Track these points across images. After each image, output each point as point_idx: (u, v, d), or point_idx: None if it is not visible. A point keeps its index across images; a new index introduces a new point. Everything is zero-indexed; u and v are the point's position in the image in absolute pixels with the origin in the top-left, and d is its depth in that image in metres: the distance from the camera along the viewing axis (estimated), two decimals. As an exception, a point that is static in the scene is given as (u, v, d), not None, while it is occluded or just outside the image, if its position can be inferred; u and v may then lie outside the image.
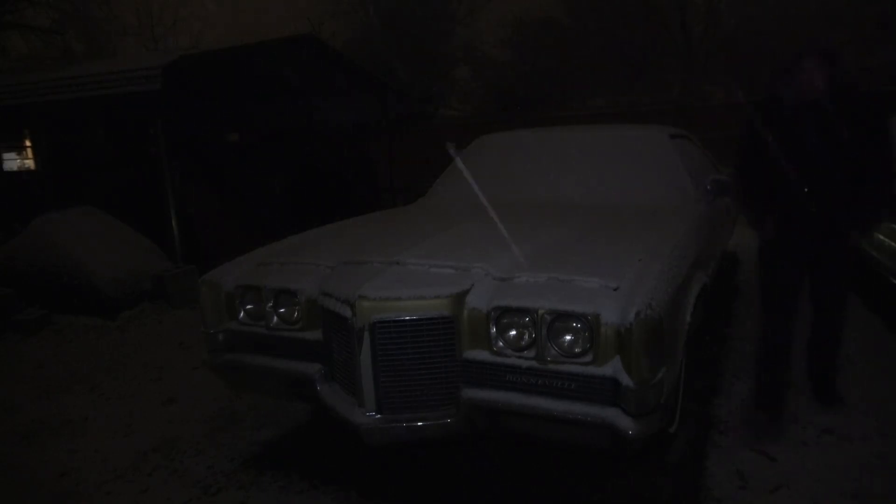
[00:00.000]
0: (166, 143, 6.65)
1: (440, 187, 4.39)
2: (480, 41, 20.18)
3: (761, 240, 3.09)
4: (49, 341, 5.23)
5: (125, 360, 4.65)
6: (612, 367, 2.16)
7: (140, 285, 5.90)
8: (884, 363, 3.71)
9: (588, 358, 2.19)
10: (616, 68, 17.47)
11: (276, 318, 2.78)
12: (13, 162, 8.31)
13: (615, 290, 2.22)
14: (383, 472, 2.86)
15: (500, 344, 2.31)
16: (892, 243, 4.10)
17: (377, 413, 2.40)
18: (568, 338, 2.23)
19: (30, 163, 8.15)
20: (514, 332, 2.30)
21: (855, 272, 3.08)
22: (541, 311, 2.21)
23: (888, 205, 2.95)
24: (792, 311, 3.03)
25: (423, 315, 2.36)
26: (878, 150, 2.81)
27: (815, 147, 2.81)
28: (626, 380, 2.12)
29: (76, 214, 6.31)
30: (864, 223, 2.95)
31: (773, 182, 2.93)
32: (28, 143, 8.12)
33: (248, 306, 2.89)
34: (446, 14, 19.29)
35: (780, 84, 2.92)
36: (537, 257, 2.55)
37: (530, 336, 2.27)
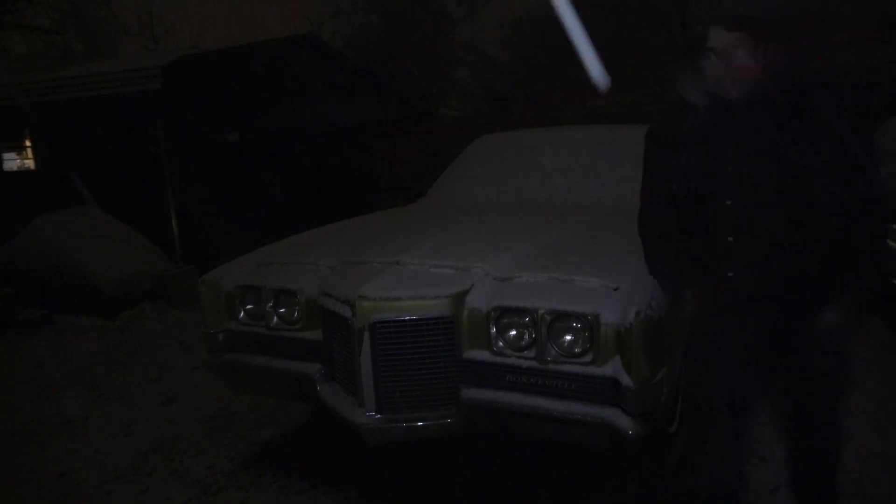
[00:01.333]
0: (166, 143, 6.65)
1: (440, 187, 4.38)
2: (480, 41, 20.18)
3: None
4: (49, 341, 5.23)
5: (125, 360, 4.65)
6: (612, 367, 2.16)
7: (140, 285, 5.90)
8: (884, 363, 3.71)
9: (588, 358, 2.19)
10: (616, 68, 17.47)
11: (276, 318, 2.78)
12: (13, 162, 8.31)
13: (615, 290, 2.22)
14: (383, 472, 2.86)
15: (500, 344, 2.31)
16: (892, 243, 4.09)
17: (377, 413, 2.40)
18: (568, 338, 2.23)
19: (30, 163, 8.15)
20: (514, 332, 2.30)
21: (847, 367, 1.98)
22: (541, 311, 2.21)
23: (882, 259, 1.85)
24: (740, 431, 2.07)
25: (423, 315, 2.36)
26: (860, 178, 1.71)
27: (743, 173, 1.77)
28: (626, 380, 2.12)
29: (76, 214, 6.31)
30: (848, 294, 1.76)
31: (689, 232, 1.91)
32: (28, 143, 8.11)
33: (248, 306, 2.89)
34: (446, 14, 19.30)
35: (689, 81, 1.89)
36: (537, 257, 2.55)
37: (530, 336, 2.27)
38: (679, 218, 1.92)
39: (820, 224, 1.73)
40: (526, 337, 2.29)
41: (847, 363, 1.97)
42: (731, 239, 1.81)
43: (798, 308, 1.82)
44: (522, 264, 2.48)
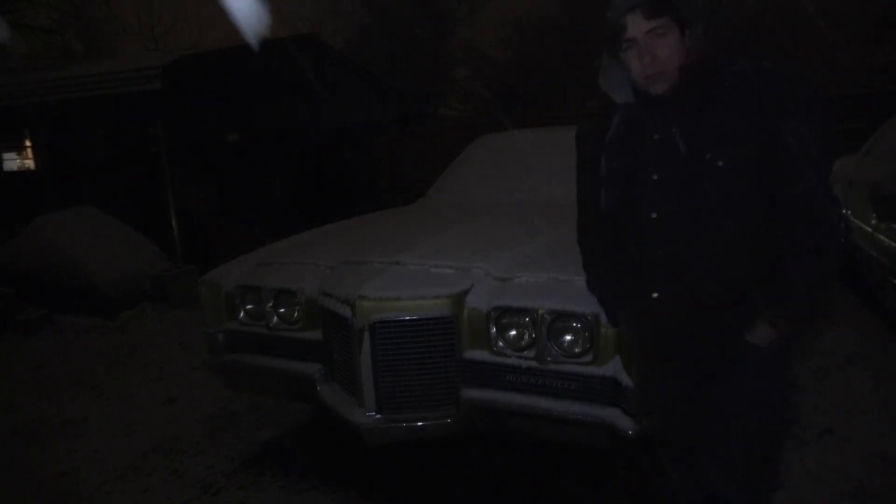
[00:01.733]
0: (166, 143, 6.66)
1: (440, 187, 4.38)
2: (480, 41, 20.20)
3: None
4: (49, 341, 5.23)
5: (125, 360, 4.65)
6: (612, 367, 2.16)
7: (140, 285, 5.91)
8: (884, 363, 3.71)
9: (588, 358, 2.19)
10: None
11: (276, 318, 2.77)
12: (13, 162, 8.32)
13: (615, 290, 2.22)
14: (383, 472, 2.86)
15: (500, 344, 2.31)
16: (892, 243, 4.10)
17: (377, 413, 2.40)
18: (568, 338, 2.23)
19: (30, 163, 8.16)
20: (514, 332, 2.30)
21: (782, 397, 1.80)
22: (541, 311, 2.21)
23: (827, 273, 1.58)
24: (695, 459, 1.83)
25: (423, 315, 2.35)
26: (809, 181, 1.49)
27: (670, 179, 1.57)
28: (626, 380, 2.12)
29: (76, 214, 6.32)
30: (782, 304, 1.55)
31: (621, 246, 1.72)
32: (28, 143, 8.12)
33: (248, 306, 2.89)
34: (447, 14, 19.31)
35: (610, 77, 1.67)
36: (537, 257, 2.55)
37: (530, 336, 2.27)
38: (611, 230, 1.73)
39: (754, 231, 1.53)
40: (526, 337, 2.29)
41: (782, 389, 1.74)
42: (658, 254, 1.60)
43: (730, 328, 1.60)
44: (522, 264, 2.48)
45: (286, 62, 8.17)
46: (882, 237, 4.28)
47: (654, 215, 1.58)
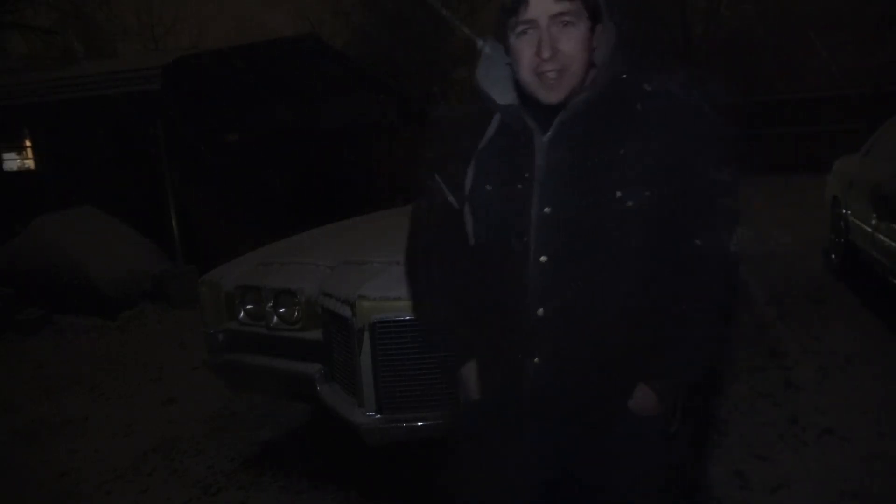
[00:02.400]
0: (166, 143, 6.65)
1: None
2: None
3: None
4: (49, 341, 5.23)
5: (125, 360, 4.66)
6: (612, 367, 2.16)
7: (140, 285, 5.91)
8: (884, 363, 3.70)
9: (588, 358, 2.19)
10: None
11: (276, 318, 2.77)
12: (13, 162, 8.32)
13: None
14: (383, 472, 2.86)
15: (500, 344, 2.31)
16: (893, 243, 4.10)
17: (377, 413, 2.40)
18: (568, 338, 2.22)
19: (30, 163, 8.16)
20: (514, 332, 2.30)
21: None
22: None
23: (719, 338, 1.43)
24: None
25: (423, 315, 2.35)
26: (704, 220, 1.29)
27: (564, 217, 1.25)
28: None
29: (76, 214, 6.32)
30: (670, 371, 1.32)
31: (487, 288, 1.34)
32: (28, 143, 8.12)
33: (248, 306, 2.89)
34: (447, 14, 19.31)
35: (491, 69, 1.32)
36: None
37: (530, 336, 2.27)
38: (474, 266, 1.35)
39: (650, 286, 1.26)
40: (526, 337, 2.28)
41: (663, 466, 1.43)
42: (541, 312, 1.25)
43: (613, 397, 1.31)
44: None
45: (286, 62, 8.17)
46: (882, 237, 4.28)
47: (542, 259, 1.24)
